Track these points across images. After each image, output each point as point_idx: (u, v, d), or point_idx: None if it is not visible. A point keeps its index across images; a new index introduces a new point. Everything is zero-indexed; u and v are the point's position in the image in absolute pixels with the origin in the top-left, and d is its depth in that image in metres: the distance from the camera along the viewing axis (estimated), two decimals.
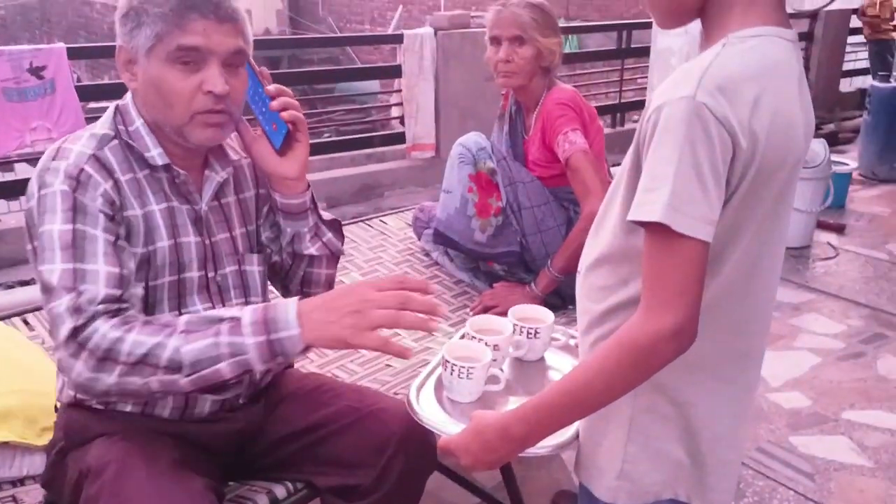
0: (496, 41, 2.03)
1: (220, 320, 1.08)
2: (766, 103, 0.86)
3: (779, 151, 0.88)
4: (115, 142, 1.21)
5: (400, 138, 4.36)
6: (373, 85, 8.85)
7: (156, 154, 1.21)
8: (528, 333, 1.35)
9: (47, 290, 1.09)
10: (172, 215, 1.25)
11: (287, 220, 1.37)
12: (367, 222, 2.72)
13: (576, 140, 1.92)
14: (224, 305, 1.31)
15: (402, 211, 2.84)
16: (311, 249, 1.39)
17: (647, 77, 6.02)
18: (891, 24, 6.95)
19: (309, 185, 1.38)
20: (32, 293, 2.70)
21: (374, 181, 4.24)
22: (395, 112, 4.66)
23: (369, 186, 4.23)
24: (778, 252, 1.00)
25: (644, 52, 5.34)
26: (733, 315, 0.97)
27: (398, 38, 4.20)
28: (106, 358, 1.05)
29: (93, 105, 4.10)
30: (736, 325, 0.98)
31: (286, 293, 1.47)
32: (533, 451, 1.03)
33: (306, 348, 1.09)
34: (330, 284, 1.47)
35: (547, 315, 1.38)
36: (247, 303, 1.35)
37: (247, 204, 1.37)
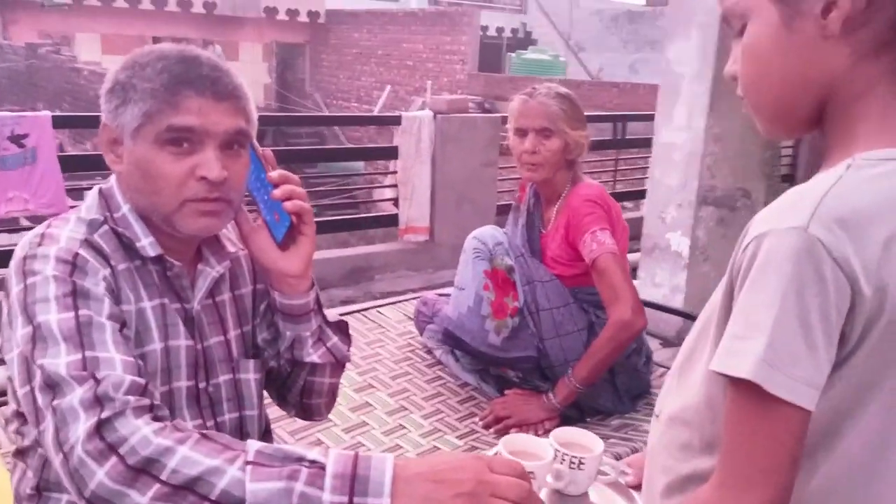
0: (521, 132, 1.92)
1: (300, 460, 0.85)
2: None
3: None
4: (106, 227, 1.05)
5: (392, 220, 4.24)
6: (357, 164, 8.81)
7: (147, 244, 1.05)
8: (572, 463, 1.14)
9: (51, 385, 0.88)
10: (164, 314, 1.07)
11: (287, 322, 1.19)
12: (363, 313, 2.55)
13: (605, 240, 1.79)
14: (215, 420, 1.13)
15: (401, 301, 2.68)
16: (314, 357, 1.20)
17: (636, 168, 6.03)
18: None
19: (314, 284, 1.20)
20: None
21: (364, 264, 4.08)
22: (388, 193, 4.55)
23: (359, 269, 4.06)
24: None
25: (639, 143, 5.33)
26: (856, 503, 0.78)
27: (396, 120, 4.13)
28: (144, 470, 0.82)
29: (73, 174, 3.91)
30: None
31: (282, 402, 1.29)
32: None
33: None
34: (333, 394, 1.28)
35: (595, 443, 1.18)
36: (240, 417, 1.16)
37: (243, 301, 1.20)
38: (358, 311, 2.54)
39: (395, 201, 4.21)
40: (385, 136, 12.74)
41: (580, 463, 1.15)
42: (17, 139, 2.88)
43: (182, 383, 1.09)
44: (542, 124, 1.88)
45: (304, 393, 1.25)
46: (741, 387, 0.70)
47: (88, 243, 1.01)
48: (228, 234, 1.19)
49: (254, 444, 0.86)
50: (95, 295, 0.96)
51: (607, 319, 1.80)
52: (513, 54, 16.12)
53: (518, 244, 1.96)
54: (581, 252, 1.83)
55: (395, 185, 4.19)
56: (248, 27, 17.82)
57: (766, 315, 0.68)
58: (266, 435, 1.25)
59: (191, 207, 1.02)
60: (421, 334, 2.31)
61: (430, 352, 2.26)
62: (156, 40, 18.58)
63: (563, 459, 1.15)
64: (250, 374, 1.18)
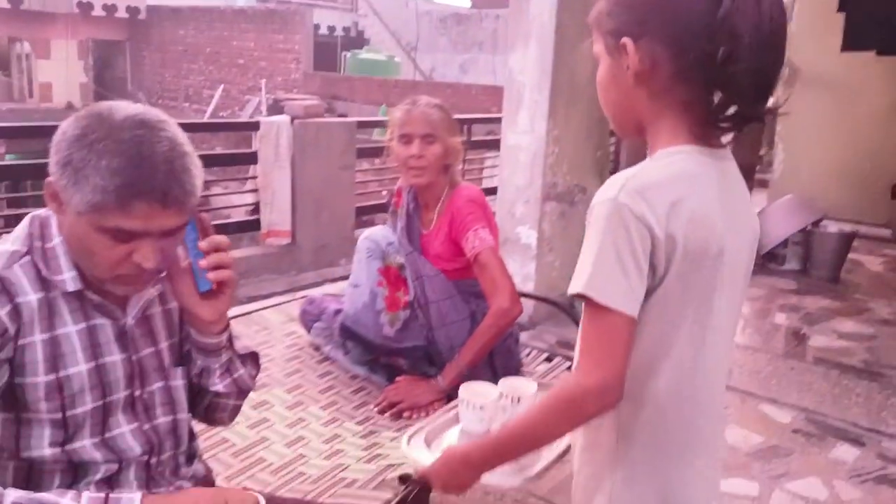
0: (407, 138, 2.10)
1: None
2: (684, 206, 1.02)
3: (700, 244, 1.03)
4: (28, 258, 1.10)
5: (253, 225, 4.27)
6: None
7: (68, 278, 1.11)
8: (512, 400, 1.46)
9: None
10: (93, 335, 1.15)
11: (198, 353, 1.29)
12: (246, 317, 2.63)
13: (485, 237, 2.02)
14: (150, 423, 1.23)
15: (283, 304, 2.78)
16: (219, 386, 1.31)
17: (484, 167, 6.39)
18: None
19: (227, 326, 1.29)
20: None
21: None
22: (249, 199, 4.56)
23: None
24: (721, 338, 1.11)
25: (487, 144, 5.68)
26: (688, 394, 1.09)
27: (254, 126, 4.17)
28: None
29: None
30: (695, 405, 1.11)
31: (190, 411, 1.36)
32: (497, 482, 1.32)
33: None
34: (235, 413, 1.41)
35: (531, 386, 1.50)
36: (174, 420, 1.27)
37: (171, 315, 1.28)
38: (241, 315, 2.61)
39: (257, 207, 4.24)
40: (220, 139, 12.38)
41: (518, 399, 1.48)
42: None
43: (120, 395, 1.18)
44: (426, 131, 2.08)
45: (209, 409, 1.37)
46: (585, 303, 1.02)
47: None
48: None
49: (10, 495, 0.97)
50: None
51: (488, 308, 2.03)
52: (348, 54, 16.20)
53: (405, 244, 2.15)
54: (463, 248, 2.05)
55: (254, 191, 4.23)
56: (60, 23, 16.60)
57: (592, 253, 1.01)
58: (192, 435, 1.36)
59: (122, 279, 1.11)
60: (308, 332, 2.43)
61: (317, 349, 2.39)
62: None
63: (505, 397, 1.48)
64: (178, 381, 1.28)
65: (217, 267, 1.18)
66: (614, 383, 1.01)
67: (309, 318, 2.41)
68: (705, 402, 1.11)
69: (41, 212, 1.15)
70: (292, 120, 4.13)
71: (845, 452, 2.76)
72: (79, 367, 1.12)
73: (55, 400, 1.10)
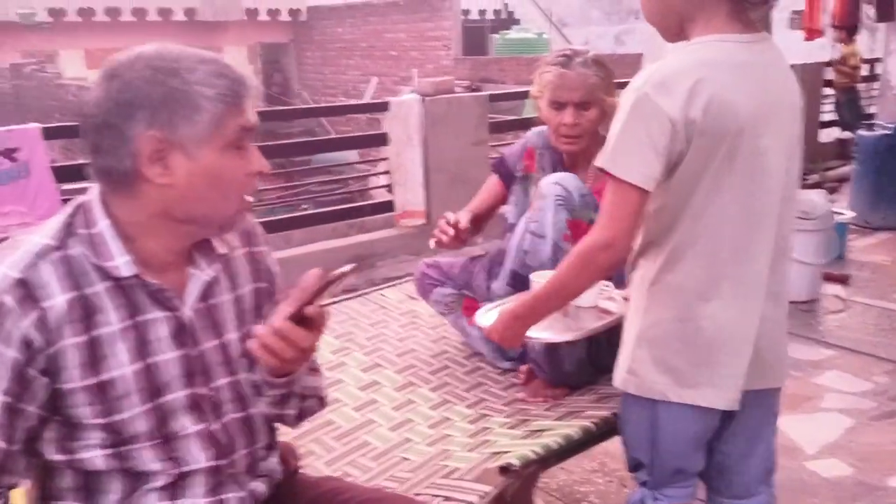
0: (559, 104, 1.86)
1: None
2: (701, 90, 1.17)
3: (718, 123, 1.19)
4: (58, 253, 1.00)
5: (387, 207, 4.25)
6: (350, 155, 8.81)
7: (121, 263, 1.01)
8: None
9: None
10: (141, 332, 1.04)
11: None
12: (365, 297, 2.57)
13: None
14: (220, 420, 1.12)
15: (401, 283, 2.70)
16: (262, 406, 1.18)
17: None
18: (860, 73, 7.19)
19: (291, 382, 1.14)
20: None
21: (364, 252, 4.10)
22: (381, 180, 4.56)
23: (360, 257, 4.08)
24: (743, 204, 1.24)
25: None
26: (703, 244, 1.25)
27: (384, 106, 4.13)
28: None
29: (67, 187, 3.91)
30: (712, 252, 1.26)
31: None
32: (539, 337, 1.58)
33: None
34: (298, 420, 1.26)
35: None
36: (246, 416, 1.16)
37: (242, 301, 1.16)
38: (360, 295, 2.56)
39: (390, 188, 4.22)
40: (376, 129, 12.72)
41: None
42: (7, 153, 2.89)
43: (178, 394, 1.07)
44: (581, 97, 1.83)
45: (278, 418, 1.24)
46: (608, 175, 1.22)
47: (22, 283, 0.96)
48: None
49: None
50: None
51: None
52: (496, 35, 16.04)
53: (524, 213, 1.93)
54: None
55: (388, 172, 4.21)
56: (231, 30, 17.75)
57: (617, 135, 1.21)
58: (272, 425, 1.24)
59: (242, 207, 1.08)
60: (425, 299, 2.23)
61: (433, 328, 2.27)
62: None
63: None
64: (251, 374, 1.15)
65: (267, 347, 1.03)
66: (618, 241, 1.23)
67: (429, 283, 2.19)
68: (723, 249, 1.25)
69: (83, 198, 1.06)
70: (423, 98, 4.05)
71: None
72: (123, 370, 1.02)
73: (97, 405, 1.01)
